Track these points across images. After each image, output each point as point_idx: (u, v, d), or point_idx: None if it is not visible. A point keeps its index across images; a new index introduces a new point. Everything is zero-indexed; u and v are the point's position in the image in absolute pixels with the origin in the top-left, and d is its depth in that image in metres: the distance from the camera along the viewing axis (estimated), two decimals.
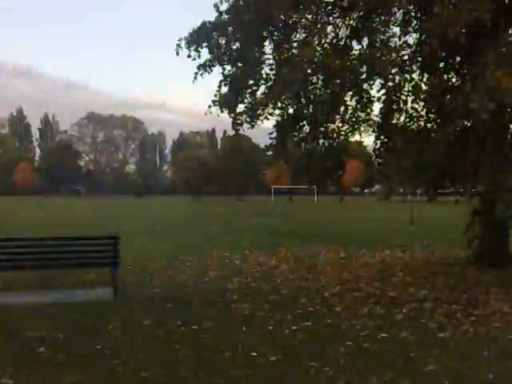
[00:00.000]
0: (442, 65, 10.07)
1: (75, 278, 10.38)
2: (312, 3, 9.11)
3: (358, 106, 10.90)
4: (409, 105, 10.52)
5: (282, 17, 9.03)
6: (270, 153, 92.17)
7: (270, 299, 8.79)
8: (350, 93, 10.48)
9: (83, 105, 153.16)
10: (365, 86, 10.53)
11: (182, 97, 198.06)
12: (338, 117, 11.01)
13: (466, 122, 8.09)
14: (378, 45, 10.27)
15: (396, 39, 10.14)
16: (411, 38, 10.88)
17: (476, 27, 8.07)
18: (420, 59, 10.02)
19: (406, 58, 10.40)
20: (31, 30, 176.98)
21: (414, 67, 10.53)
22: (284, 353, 5.86)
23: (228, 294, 9.19)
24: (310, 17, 9.58)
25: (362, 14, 9.33)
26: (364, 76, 9.84)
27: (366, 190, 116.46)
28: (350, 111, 11.00)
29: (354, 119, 11.18)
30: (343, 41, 10.47)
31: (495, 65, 7.76)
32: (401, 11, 10.29)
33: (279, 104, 10.06)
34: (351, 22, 10.48)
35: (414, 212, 28.16)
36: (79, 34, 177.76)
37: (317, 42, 8.87)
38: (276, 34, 9.82)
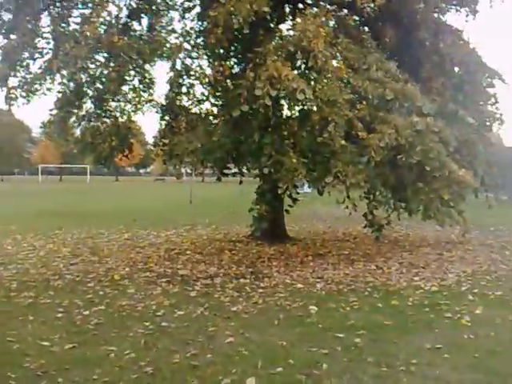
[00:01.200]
0: (226, 52, 10.49)
1: None
2: None
3: (141, 86, 10.99)
4: (196, 88, 10.82)
5: None
6: (43, 130, 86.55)
7: (54, 285, 8.19)
8: (133, 72, 10.49)
9: None
10: (147, 66, 10.67)
11: None
12: (120, 96, 10.87)
13: (249, 107, 8.52)
14: (157, 27, 10.45)
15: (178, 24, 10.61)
16: (195, 24, 11.34)
17: (257, 19, 8.58)
18: (205, 46, 10.37)
19: (192, 43, 10.79)
20: None
21: (201, 53, 10.93)
22: (79, 340, 5.48)
23: (4, 282, 8.35)
24: None
25: None
26: (147, 57, 9.91)
27: (141, 171, 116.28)
28: (132, 91, 11.01)
29: (137, 99, 11.17)
30: (123, 20, 10.36)
31: (275, 55, 8.35)
32: None
33: (59, 79, 9.40)
34: (131, 2, 10.48)
35: (194, 192, 29.04)
36: None
37: (100, 20, 8.51)
38: (53, 7, 9.20)
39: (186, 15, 11.47)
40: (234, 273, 9.03)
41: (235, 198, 30.23)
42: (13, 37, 9.24)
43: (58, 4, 9.20)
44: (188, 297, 7.45)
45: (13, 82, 9.55)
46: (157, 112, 11.56)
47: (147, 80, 10.91)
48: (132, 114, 11.39)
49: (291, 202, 10.77)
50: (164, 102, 11.23)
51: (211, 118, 11.09)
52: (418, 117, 9.21)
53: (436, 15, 11.87)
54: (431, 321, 6.11)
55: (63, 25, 9.21)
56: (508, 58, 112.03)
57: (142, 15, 10.28)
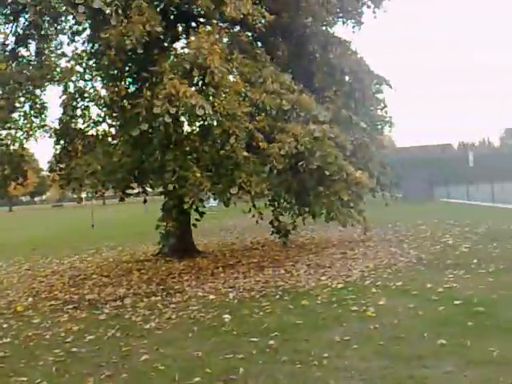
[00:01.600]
0: (120, 73, 10.48)
1: None
2: None
3: (32, 112, 10.76)
4: (91, 110, 10.72)
5: None
6: None
7: None
8: (23, 99, 10.26)
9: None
10: (37, 92, 10.51)
11: None
12: (11, 123, 10.56)
13: (149, 125, 8.54)
14: (46, 52, 10.30)
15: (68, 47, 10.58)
16: (86, 47, 11.25)
17: (150, 38, 8.66)
18: (98, 68, 10.32)
19: (84, 66, 10.72)
20: None
21: (94, 74, 10.89)
22: None
23: None
24: None
25: (30, 21, 9.10)
26: (38, 82, 9.75)
27: (36, 199, 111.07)
28: (22, 117, 10.77)
29: (28, 125, 10.93)
30: (9, 47, 10.13)
31: (171, 73, 8.45)
32: (72, 21, 10.54)
33: None
34: (18, 29, 10.34)
35: (95, 215, 28.19)
36: None
37: None
38: None
39: (76, 38, 11.35)
40: (144, 292, 8.89)
41: (140, 218, 29.75)
42: None
43: None
44: (97, 320, 7.25)
45: None
46: (50, 137, 11.36)
47: (38, 105, 10.71)
48: (24, 140, 11.08)
49: (198, 216, 10.82)
50: (58, 126, 11.05)
51: (109, 138, 11.00)
52: (314, 124, 9.64)
53: (324, 28, 12.51)
54: (339, 315, 6.37)
55: None
56: (394, 65, 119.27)
57: (30, 41, 10.04)
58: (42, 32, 10.19)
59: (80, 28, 11.39)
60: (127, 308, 7.81)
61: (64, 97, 10.37)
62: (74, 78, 10.72)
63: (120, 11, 8.09)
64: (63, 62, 10.39)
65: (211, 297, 8.04)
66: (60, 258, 14.87)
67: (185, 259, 11.82)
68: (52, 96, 11.47)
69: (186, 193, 8.71)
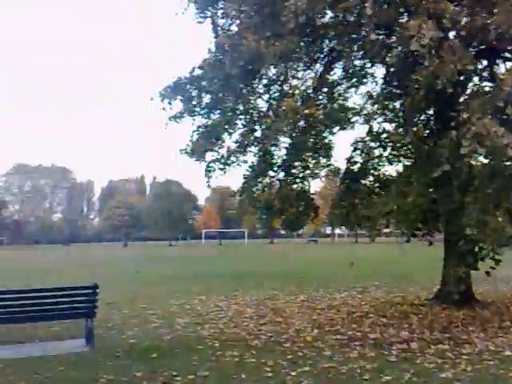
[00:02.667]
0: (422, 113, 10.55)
1: (38, 330, 9.72)
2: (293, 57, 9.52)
3: (319, 152, 11.45)
4: (387, 152, 10.98)
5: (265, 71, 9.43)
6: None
7: (252, 345, 8.58)
8: (312, 139, 11.02)
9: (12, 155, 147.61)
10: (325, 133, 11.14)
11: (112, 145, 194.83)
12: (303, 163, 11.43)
13: (451, 166, 8.34)
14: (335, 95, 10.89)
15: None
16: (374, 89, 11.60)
17: (459, 77, 8.50)
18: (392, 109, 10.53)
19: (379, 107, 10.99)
20: None
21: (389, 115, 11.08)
22: None
23: (207, 341, 8.91)
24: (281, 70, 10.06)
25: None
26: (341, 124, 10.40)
27: (294, 233, 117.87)
28: (310, 157, 11.53)
29: (315, 164, 11.68)
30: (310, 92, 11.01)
31: (480, 112, 8.08)
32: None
33: (254, 151, 10.31)
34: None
35: (349, 252, 28.81)
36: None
37: (297, 93, 9.22)
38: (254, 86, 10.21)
39: (364, 80, 11.73)
40: (429, 338, 8.71)
41: (393, 259, 29.38)
42: (213, 116, 10.33)
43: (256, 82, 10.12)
44: (388, 362, 7.35)
45: (210, 155, 10.66)
46: (334, 176, 11.95)
47: (325, 146, 11.35)
48: (310, 179, 11.87)
49: (493, 264, 10.05)
50: (342, 166, 11.54)
51: (404, 178, 11.02)
52: None
53: None
54: None
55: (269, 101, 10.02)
56: None
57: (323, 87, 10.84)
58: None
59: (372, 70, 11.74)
60: (415, 353, 7.76)
61: (357, 137, 10.69)
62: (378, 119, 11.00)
63: (433, 51, 8.09)
64: (369, 105, 10.89)
65: (507, 353, 7.50)
66: (329, 292, 15.57)
67: (463, 307, 11.25)
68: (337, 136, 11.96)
69: (484, 238, 8.29)
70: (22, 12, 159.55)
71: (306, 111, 8.97)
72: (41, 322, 9.38)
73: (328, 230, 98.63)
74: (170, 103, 10.58)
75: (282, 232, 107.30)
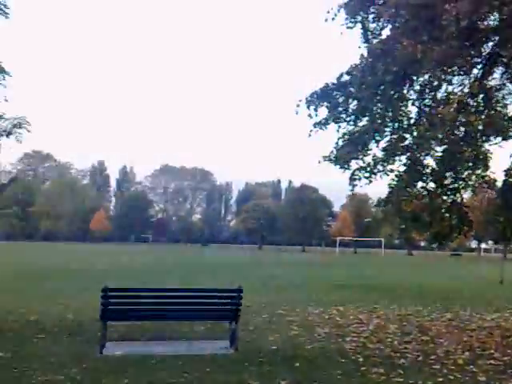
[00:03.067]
0: None
1: (186, 329, 10.17)
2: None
3: (474, 162, 10.73)
4: None
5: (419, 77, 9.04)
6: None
7: (398, 363, 8.20)
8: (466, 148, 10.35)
9: (159, 157, 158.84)
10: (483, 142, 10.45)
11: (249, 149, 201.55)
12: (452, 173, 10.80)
13: None
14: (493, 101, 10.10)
15: None
16: None
17: None
18: None
19: None
20: None
21: None
22: None
23: (350, 355, 8.68)
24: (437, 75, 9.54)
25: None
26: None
27: (434, 245, 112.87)
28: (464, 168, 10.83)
29: (469, 176, 10.97)
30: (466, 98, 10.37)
31: None
32: None
33: (403, 159, 9.90)
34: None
35: (506, 270, 26.70)
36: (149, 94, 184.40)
37: (453, 99, 8.70)
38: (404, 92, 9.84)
39: None
40: None
41: None
42: (360, 123, 10.08)
43: (407, 88, 9.73)
44: None
45: (356, 163, 10.40)
46: (488, 188, 11.16)
47: (482, 155, 10.60)
48: (462, 191, 11.18)
49: None
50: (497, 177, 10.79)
51: None
52: None
53: None
54: None
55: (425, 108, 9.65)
56: None
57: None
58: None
59: None
60: None
61: None
62: None
63: None
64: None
65: None
66: (479, 311, 14.53)
67: None
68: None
69: None
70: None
71: (464, 119, 8.40)
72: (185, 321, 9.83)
73: (473, 244, 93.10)
74: (315, 109, 10.53)
75: (422, 244, 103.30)
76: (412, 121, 9.90)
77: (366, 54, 9.97)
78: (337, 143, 10.65)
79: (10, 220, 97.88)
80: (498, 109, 10.62)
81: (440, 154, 10.03)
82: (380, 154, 9.97)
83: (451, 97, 9.32)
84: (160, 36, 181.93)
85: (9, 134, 9.62)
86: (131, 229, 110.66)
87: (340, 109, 10.45)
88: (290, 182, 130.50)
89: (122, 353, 8.08)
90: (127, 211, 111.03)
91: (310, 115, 10.56)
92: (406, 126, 9.88)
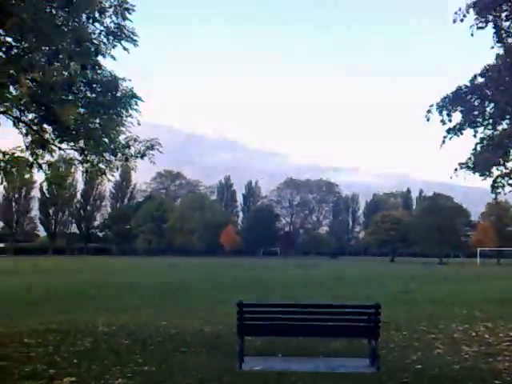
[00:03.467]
0: None
1: (320, 345, 9.95)
2: None
3: None
4: None
5: None
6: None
7: None
8: None
9: (280, 171, 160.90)
10: None
11: (376, 160, 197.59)
12: None
13: None
14: None
15: None
16: None
17: None
18: None
19: None
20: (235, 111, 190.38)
21: None
22: None
23: (504, 376, 7.99)
24: None
25: None
26: None
27: None
28: None
29: None
30: None
31: None
32: None
33: None
34: None
35: None
36: (271, 112, 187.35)
37: None
38: None
39: None
40: None
41: None
42: (499, 127, 9.41)
43: None
44: None
45: (498, 170, 9.70)
46: None
47: None
48: None
49: None
50: None
51: None
52: None
53: None
54: None
55: None
56: None
57: None
58: None
59: None
60: None
61: None
62: None
63: None
64: None
65: None
66: None
67: None
68: None
69: None
70: None
71: None
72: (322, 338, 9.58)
73: None
74: (449, 115, 9.99)
75: None
76: None
77: (501, 53, 9.31)
78: (475, 149, 10.08)
79: (148, 236, 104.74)
80: None
81: None
82: None
83: None
84: None
85: (143, 155, 10.12)
86: (259, 242, 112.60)
87: (476, 112, 9.87)
88: (421, 191, 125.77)
89: (260, 368, 8.08)
90: (254, 225, 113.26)
91: (442, 121, 10.09)
92: None
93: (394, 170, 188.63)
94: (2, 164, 7.24)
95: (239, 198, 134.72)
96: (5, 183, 7.45)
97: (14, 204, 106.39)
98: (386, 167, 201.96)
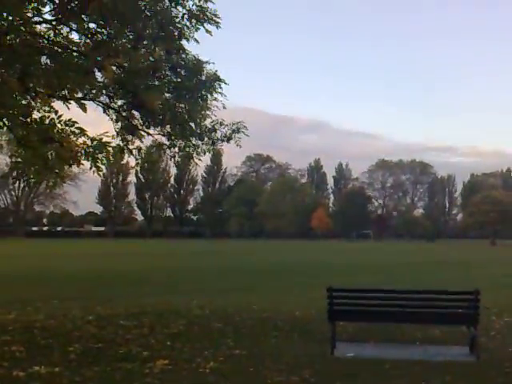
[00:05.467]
0: None
1: (417, 332, 9.47)
2: None
3: None
4: None
5: None
6: None
7: None
8: None
9: (371, 152, 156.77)
10: None
11: (470, 138, 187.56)
12: None
13: None
14: None
15: None
16: None
17: None
18: None
19: None
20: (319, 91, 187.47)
21: None
22: None
23: None
24: None
25: None
26: None
27: None
28: None
29: None
30: None
31: None
32: None
33: None
34: None
35: None
36: (361, 90, 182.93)
37: None
38: None
39: None
40: None
41: None
42: None
43: None
44: None
45: None
46: None
47: None
48: None
49: None
50: None
51: None
52: None
53: None
54: None
55: None
56: None
57: None
58: None
59: None
60: None
61: None
62: None
63: None
64: None
65: None
66: None
67: None
68: None
69: None
70: None
71: None
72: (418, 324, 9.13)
73: None
74: None
75: None
76: None
77: None
78: None
79: (239, 219, 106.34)
80: None
81: None
82: None
83: None
84: None
85: (229, 139, 10.06)
86: (351, 225, 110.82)
87: None
88: None
89: (353, 354, 7.82)
90: (346, 208, 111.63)
91: None
92: None
93: (491, 149, 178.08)
94: (91, 150, 7.43)
95: (330, 181, 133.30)
96: (94, 168, 7.62)
97: (112, 189, 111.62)
98: (482, 146, 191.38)
